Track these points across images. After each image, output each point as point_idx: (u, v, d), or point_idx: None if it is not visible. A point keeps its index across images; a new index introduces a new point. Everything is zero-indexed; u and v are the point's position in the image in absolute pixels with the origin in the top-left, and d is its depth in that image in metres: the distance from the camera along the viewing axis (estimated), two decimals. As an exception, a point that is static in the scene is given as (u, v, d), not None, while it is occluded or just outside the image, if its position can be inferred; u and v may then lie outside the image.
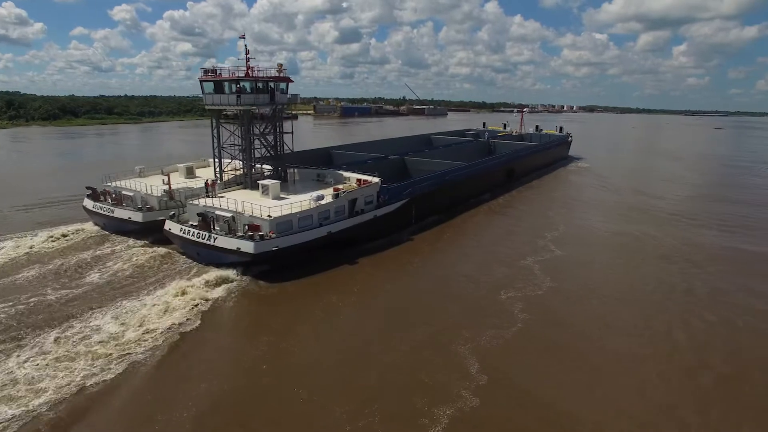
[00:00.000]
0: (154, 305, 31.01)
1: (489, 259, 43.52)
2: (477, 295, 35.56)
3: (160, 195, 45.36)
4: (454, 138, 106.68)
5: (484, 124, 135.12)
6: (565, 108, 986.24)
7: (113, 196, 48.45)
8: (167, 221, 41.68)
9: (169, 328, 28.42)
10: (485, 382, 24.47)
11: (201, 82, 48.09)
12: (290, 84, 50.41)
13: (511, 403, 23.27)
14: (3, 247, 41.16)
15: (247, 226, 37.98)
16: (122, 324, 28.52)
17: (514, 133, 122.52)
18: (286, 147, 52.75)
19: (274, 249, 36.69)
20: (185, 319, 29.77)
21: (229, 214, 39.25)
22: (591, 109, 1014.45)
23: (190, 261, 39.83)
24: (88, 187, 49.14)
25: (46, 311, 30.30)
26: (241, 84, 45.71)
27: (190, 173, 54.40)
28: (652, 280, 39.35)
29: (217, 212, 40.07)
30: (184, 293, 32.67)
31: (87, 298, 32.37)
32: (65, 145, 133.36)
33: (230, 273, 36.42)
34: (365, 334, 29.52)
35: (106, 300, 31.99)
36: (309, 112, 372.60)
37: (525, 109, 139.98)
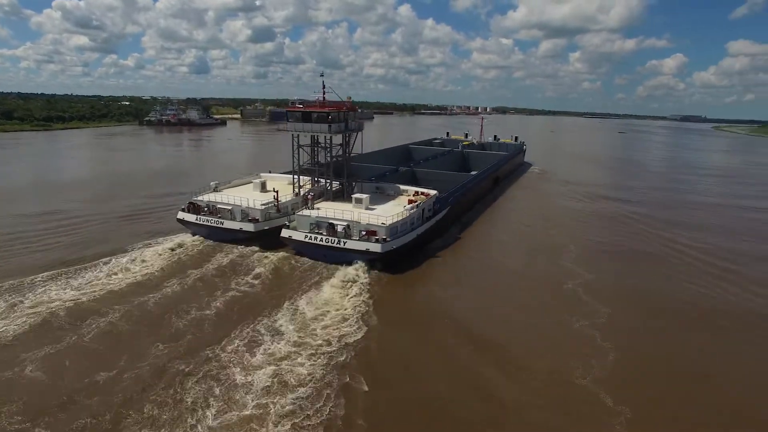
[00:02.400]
0: (331, 292, 42.56)
1: (529, 285, 48.00)
2: (550, 323, 39.47)
3: (263, 207, 55.33)
4: (432, 149, 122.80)
5: (447, 133, 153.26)
6: (479, 110, 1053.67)
7: (205, 209, 57.30)
8: (284, 230, 52.28)
9: (355, 307, 40.17)
10: (631, 415, 27.82)
11: (288, 111, 58.86)
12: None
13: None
14: (141, 255, 49.20)
15: (364, 232, 50.07)
16: (321, 310, 39.77)
17: (475, 143, 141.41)
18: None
19: (393, 248, 49.25)
20: (359, 299, 41.73)
21: (345, 223, 50.98)
22: (503, 111, 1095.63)
23: (311, 260, 50.76)
24: (190, 203, 57.44)
25: (257, 298, 40.99)
26: (330, 114, 57.19)
27: (263, 188, 63.91)
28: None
29: (330, 221, 51.53)
30: (345, 281, 44.55)
31: (270, 291, 42.97)
32: None
33: (359, 269, 48.04)
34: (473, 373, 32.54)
35: (290, 291, 42.83)
36: (235, 116, 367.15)
37: (482, 114, 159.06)
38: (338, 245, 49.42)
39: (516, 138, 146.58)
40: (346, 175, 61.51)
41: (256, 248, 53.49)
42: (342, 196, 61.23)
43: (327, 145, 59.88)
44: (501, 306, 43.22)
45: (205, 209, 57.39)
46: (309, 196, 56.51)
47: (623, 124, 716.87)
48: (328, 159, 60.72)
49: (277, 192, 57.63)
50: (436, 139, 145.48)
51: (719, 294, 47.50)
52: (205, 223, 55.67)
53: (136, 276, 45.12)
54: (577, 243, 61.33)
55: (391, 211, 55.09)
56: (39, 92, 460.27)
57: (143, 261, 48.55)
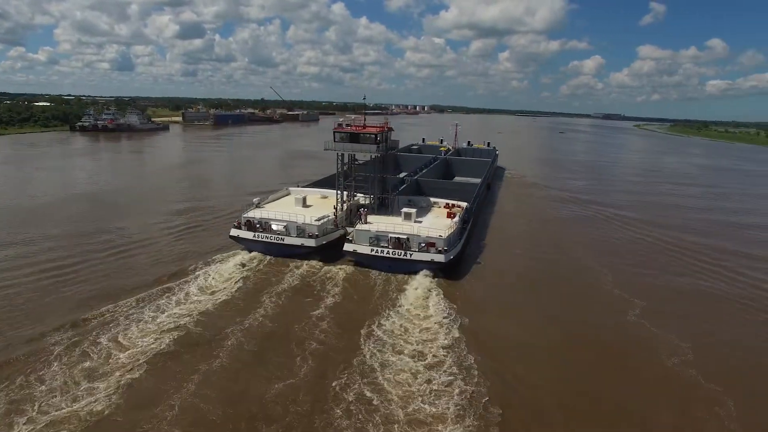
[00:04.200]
0: (414, 301, 49.07)
1: (588, 312, 49.49)
2: (638, 364, 39.92)
3: (320, 223, 60.48)
4: (417, 156, 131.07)
5: (423, 139, 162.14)
6: (417, 108, 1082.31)
7: (257, 226, 61.39)
8: (347, 244, 57.94)
9: (445, 314, 46.87)
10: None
11: (335, 131, 64.42)
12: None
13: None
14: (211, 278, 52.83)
15: (423, 244, 56.89)
16: (414, 317, 46.24)
17: (450, 148, 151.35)
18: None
19: (451, 258, 56.51)
20: (442, 300, 48.88)
21: (405, 236, 57.51)
22: (441, 110, 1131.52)
23: (374, 271, 56.77)
24: (247, 220, 61.25)
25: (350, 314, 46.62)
26: (377, 135, 63.44)
27: (305, 203, 68.73)
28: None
29: (390, 235, 57.88)
30: (423, 292, 51.22)
31: (360, 308, 48.49)
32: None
33: (426, 278, 54.79)
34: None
35: (379, 303, 48.78)
36: (176, 119, 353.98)
37: (455, 122, 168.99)
38: (405, 257, 55.87)
39: (488, 144, 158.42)
40: (390, 190, 68.05)
41: (318, 262, 58.45)
42: (385, 209, 67.43)
43: (374, 163, 66.02)
44: (565, 336, 44.32)
45: (258, 226, 61.45)
46: (362, 212, 62.33)
47: (555, 122, 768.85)
48: (371, 175, 66.82)
49: (336, 208, 62.98)
50: (413, 145, 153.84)
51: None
52: (263, 239, 59.74)
53: (210, 302, 46.49)
54: (609, 267, 62.48)
55: (438, 223, 62.39)
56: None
57: (209, 286, 50.35)
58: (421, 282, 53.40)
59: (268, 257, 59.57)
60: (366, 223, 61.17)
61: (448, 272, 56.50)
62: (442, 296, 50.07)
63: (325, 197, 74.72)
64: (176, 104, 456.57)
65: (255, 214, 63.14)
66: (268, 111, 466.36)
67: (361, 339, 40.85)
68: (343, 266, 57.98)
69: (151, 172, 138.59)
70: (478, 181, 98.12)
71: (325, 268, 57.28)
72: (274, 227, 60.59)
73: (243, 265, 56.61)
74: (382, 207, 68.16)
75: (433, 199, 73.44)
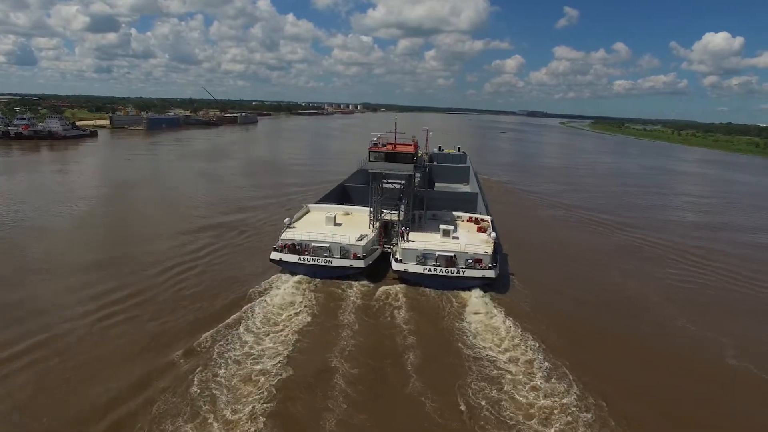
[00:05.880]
0: (477, 320, 52.21)
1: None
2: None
3: (365, 243, 61.91)
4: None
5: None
6: (351, 107, 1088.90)
7: (296, 248, 61.82)
8: (395, 263, 59.90)
9: (510, 325, 50.36)
10: None
11: (370, 152, 65.90)
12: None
13: None
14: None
15: (470, 261, 60.09)
16: (487, 329, 49.67)
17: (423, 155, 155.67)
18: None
19: (499, 273, 60.14)
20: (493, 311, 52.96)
21: (452, 253, 60.39)
22: (374, 109, 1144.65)
23: (426, 289, 59.06)
24: (287, 244, 61.38)
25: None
26: (414, 155, 65.81)
27: (335, 222, 69.54)
28: None
29: (438, 253, 60.57)
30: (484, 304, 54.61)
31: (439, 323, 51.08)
32: None
33: (476, 292, 58.06)
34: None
35: (453, 320, 51.53)
36: (102, 123, 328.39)
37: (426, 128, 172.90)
38: (458, 275, 58.66)
39: (459, 149, 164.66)
40: (426, 207, 70.67)
41: (367, 283, 59.65)
42: (416, 226, 69.78)
43: (410, 182, 68.28)
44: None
45: (298, 248, 61.74)
46: (405, 230, 64.37)
47: (485, 120, 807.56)
48: (406, 189, 69.02)
49: (382, 228, 64.51)
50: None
51: None
52: (310, 262, 60.17)
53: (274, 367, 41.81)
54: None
55: (474, 239, 65.88)
56: None
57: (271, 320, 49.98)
58: (477, 302, 55.92)
59: (315, 281, 59.73)
60: (408, 241, 63.42)
61: (496, 287, 59.82)
62: (513, 321, 50.96)
63: (348, 213, 75.79)
64: (96, 105, 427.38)
65: (293, 235, 63.20)
66: (201, 113, 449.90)
67: (468, 410, 37.68)
68: (392, 286, 59.61)
69: (96, 197, 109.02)
70: (474, 189, 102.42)
71: (379, 290, 58.29)
72: (318, 249, 61.15)
73: (295, 295, 55.83)
74: (413, 223, 70.47)
75: (456, 213, 76.68)
